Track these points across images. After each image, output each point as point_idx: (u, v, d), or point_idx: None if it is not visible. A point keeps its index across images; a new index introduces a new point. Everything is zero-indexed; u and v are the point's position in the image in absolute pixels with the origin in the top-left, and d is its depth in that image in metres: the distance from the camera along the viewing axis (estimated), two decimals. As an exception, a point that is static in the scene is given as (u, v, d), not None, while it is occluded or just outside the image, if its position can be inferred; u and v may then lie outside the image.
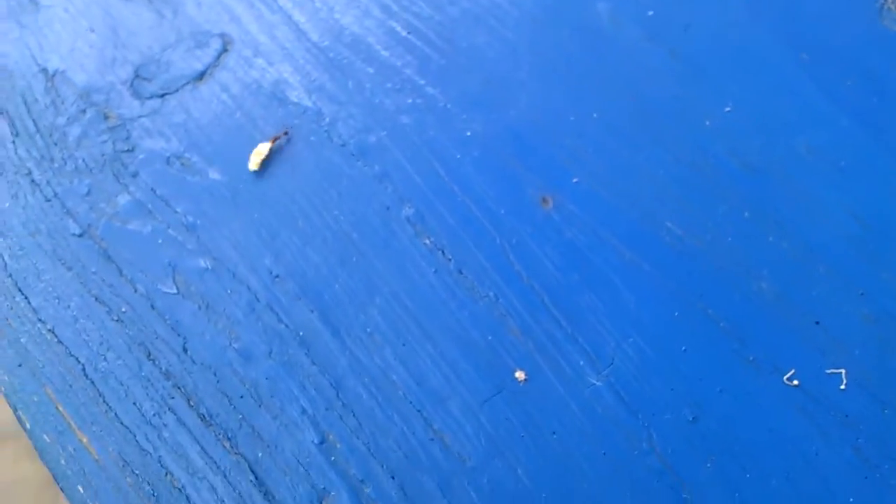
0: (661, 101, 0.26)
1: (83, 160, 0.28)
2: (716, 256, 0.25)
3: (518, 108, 0.27)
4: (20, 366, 0.26)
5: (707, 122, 0.26)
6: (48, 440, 0.25)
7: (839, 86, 0.26)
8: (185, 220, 0.27)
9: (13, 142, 0.28)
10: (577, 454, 0.23)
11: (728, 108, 0.26)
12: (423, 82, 0.27)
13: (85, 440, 0.25)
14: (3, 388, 0.26)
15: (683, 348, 0.24)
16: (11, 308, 0.27)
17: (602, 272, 0.25)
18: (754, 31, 0.26)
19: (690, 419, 0.23)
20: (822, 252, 0.24)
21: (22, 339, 0.26)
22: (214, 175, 0.27)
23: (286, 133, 0.26)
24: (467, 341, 0.25)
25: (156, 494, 0.24)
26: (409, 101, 0.27)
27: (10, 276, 0.27)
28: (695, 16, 0.26)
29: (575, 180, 0.26)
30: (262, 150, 0.26)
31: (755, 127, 0.26)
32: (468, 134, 0.27)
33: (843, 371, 0.24)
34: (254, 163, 0.26)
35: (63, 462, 0.25)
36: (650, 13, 0.27)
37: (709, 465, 0.23)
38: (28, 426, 0.25)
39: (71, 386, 0.25)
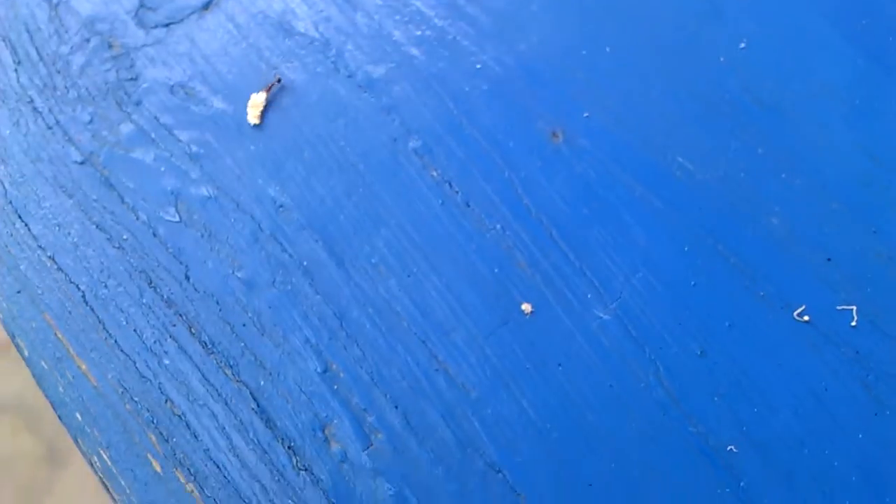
0: (675, 37, 0.26)
1: (86, 89, 0.27)
2: (727, 192, 0.24)
3: (529, 42, 0.26)
4: (19, 292, 0.26)
5: (721, 59, 0.26)
6: (46, 367, 0.25)
7: (855, 24, 0.25)
8: (188, 150, 0.26)
9: (15, 70, 0.28)
10: (582, 386, 0.23)
11: (743, 45, 0.26)
12: (432, 14, 0.27)
13: (84, 367, 0.25)
14: (1, 315, 0.26)
15: (693, 283, 0.24)
16: (11, 235, 0.26)
17: (612, 206, 0.25)
18: (771, -36, 0.26)
19: (698, 353, 0.23)
20: (835, 189, 0.24)
21: (21, 266, 0.26)
22: (219, 105, 0.27)
23: (279, 80, 0.26)
24: (473, 273, 0.24)
25: (155, 421, 0.24)
26: (418, 33, 0.27)
27: (11, 202, 0.26)
28: (711, -51, 0.26)
29: (586, 115, 0.25)
30: (258, 100, 0.25)
31: (770, 64, 0.25)
32: (478, 67, 0.26)
33: (853, 308, 0.23)
34: (252, 115, 0.26)
35: (61, 389, 0.25)
36: (665, -54, 0.26)
37: (716, 399, 0.23)
38: (26, 353, 0.25)
39: (70, 313, 0.25)
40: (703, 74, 0.25)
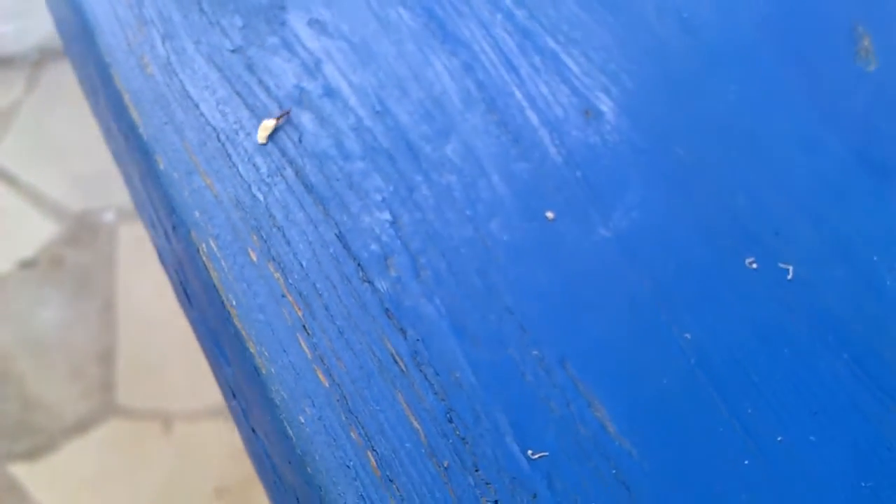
0: None
1: (243, 4, 0.37)
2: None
3: None
4: (165, 124, 0.33)
5: None
6: (177, 177, 0.32)
7: None
8: (314, 58, 0.35)
9: (189, -17, 0.37)
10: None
11: None
12: None
13: (208, 181, 0.32)
14: (146, 137, 0.33)
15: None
16: (167, 85, 0.34)
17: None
18: None
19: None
20: None
21: (172, 105, 0.33)
22: (345, 27, 0.36)
23: (287, 112, 0.33)
24: (510, 172, 0.33)
25: (257, 227, 0.31)
26: None
27: (171, 64, 0.35)
28: None
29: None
30: (269, 125, 0.33)
31: None
32: None
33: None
34: (262, 136, 0.33)
35: (186, 194, 0.32)
36: None
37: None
38: (161, 167, 0.32)
39: (205, 144, 0.33)
40: None
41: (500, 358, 0.29)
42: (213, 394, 1.34)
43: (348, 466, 0.27)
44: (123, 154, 0.36)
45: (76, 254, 1.51)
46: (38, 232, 1.54)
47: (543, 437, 0.28)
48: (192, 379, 1.39)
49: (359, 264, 0.30)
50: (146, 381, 1.39)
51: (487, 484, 0.27)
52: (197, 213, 0.31)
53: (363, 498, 0.26)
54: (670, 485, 0.27)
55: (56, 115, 1.67)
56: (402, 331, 0.29)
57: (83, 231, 1.54)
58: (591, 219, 0.32)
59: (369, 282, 0.30)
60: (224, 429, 1.35)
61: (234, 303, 0.29)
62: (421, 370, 0.29)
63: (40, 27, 1.74)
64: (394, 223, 0.31)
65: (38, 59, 1.74)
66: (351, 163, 0.32)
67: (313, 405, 0.28)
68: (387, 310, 0.30)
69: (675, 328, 0.30)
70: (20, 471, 1.30)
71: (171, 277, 0.36)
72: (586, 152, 0.34)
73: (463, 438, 0.28)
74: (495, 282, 0.30)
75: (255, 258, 0.30)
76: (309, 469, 0.27)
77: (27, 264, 1.49)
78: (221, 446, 1.36)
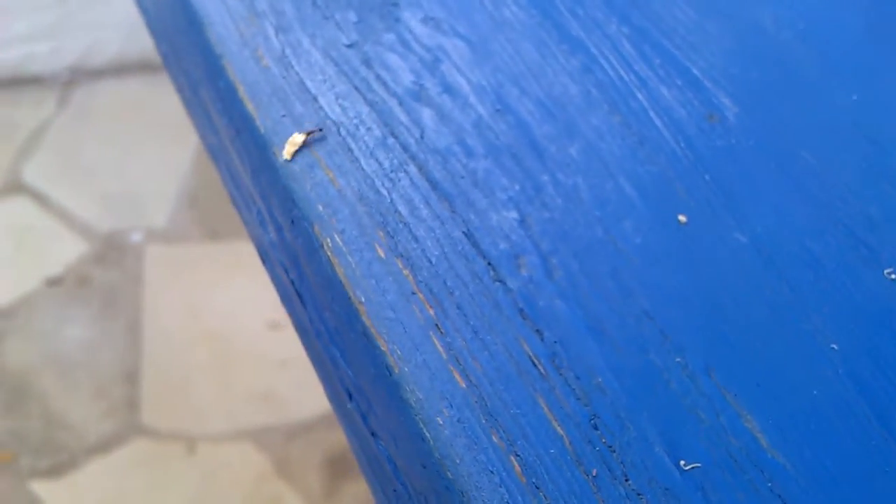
0: None
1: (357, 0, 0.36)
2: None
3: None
4: (283, 116, 0.32)
5: None
6: (298, 170, 0.31)
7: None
8: (431, 55, 0.34)
9: (300, -22, 0.36)
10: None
11: None
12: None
13: (331, 175, 0.31)
14: (264, 129, 0.32)
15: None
16: (284, 77, 0.33)
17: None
18: None
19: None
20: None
21: (290, 98, 0.33)
22: (459, 25, 0.35)
23: (320, 129, 0.32)
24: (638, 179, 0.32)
25: (383, 222, 0.30)
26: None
27: (285, 55, 0.34)
28: None
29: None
30: (297, 140, 0.31)
31: None
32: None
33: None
34: (288, 152, 0.31)
35: (308, 188, 0.31)
36: None
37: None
38: (280, 160, 0.31)
39: (326, 138, 0.32)
40: None
41: (642, 364, 0.28)
42: (238, 416, 1.32)
43: (491, 471, 0.25)
44: (228, 148, 0.35)
45: (103, 273, 1.51)
46: (65, 250, 1.54)
47: (694, 448, 0.26)
48: (218, 400, 1.37)
49: (489, 263, 0.29)
50: (171, 401, 1.38)
51: (639, 495, 0.25)
52: (320, 207, 0.30)
53: (509, 506, 0.25)
54: (826, 500, 0.26)
55: (86, 135, 1.67)
56: (539, 332, 0.28)
57: (111, 251, 1.53)
58: (726, 223, 0.31)
59: (501, 281, 0.29)
60: (248, 451, 1.33)
61: (362, 299, 0.28)
62: (561, 374, 0.27)
63: (73, 47, 1.75)
64: (522, 222, 0.30)
65: (70, 79, 1.74)
66: (475, 160, 0.31)
67: (451, 406, 0.26)
68: (521, 310, 0.28)
69: (820, 338, 0.29)
70: (42, 488, 1.28)
71: (276, 277, 0.35)
72: (713, 156, 0.33)
73: (610, 446, 0.26)
74: (631, 285, 0.29)
75: (382, 254, 0.29)
76: (449, 473, 0.26)
77: (54, 282, 1.49)
78: (246, 469, 1.33)
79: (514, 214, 0.30)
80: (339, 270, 0.29)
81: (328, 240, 0.29)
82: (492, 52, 0.35)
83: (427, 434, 0.26)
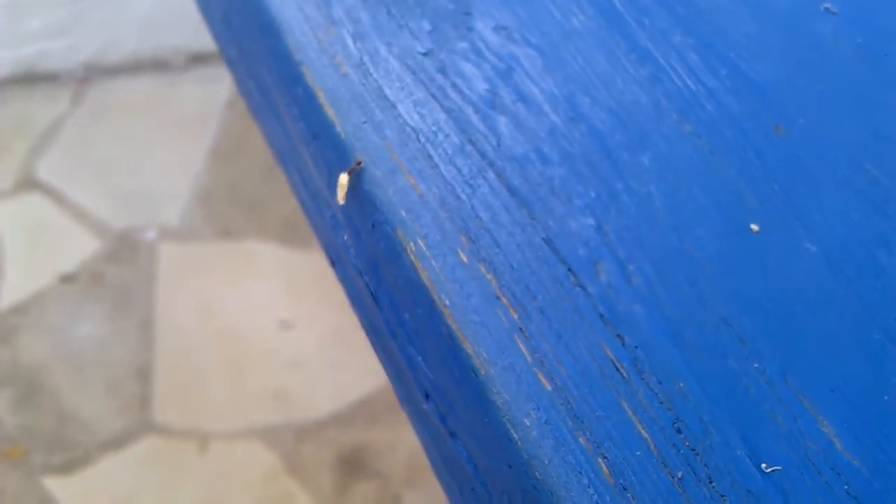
0: None
1: (430, 7, 0.36)
2: None
3: None
4: (364, 123, 0.33)
5: None
6: (379, 175, 0.32)
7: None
8: (504, 64, 0.35)
9: (373, -13, 0.37)
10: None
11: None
12: None
13: (412, 181, 0.32)
14: (345, 135, 0.33)
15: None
16: (363, 84, 0.34)
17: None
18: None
19: None
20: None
21: (370, 104, 0.33)
22: (530, 34, 0.36)
23: (359, 163, 0.32)
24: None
25: (465, 228, 0.31)
26: None
27: (364, 64, 0.34)
28: None
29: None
30: (343, 181, 0.32)
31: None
32: None
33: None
34: (341, 196, 0.32)
35: (391, 193, 0.32)
36: None
37: None
38: (363, 166, 0.32)
39: (406, 144, 0.33)
40: None
41: (722, 369, 0.28)
42: (250, 414, 1.33)
43: (580, 472, 0.26)
44: (302, 153, 0.36)
45: (117, 270, 1.51)
46: (79, 247, 1.54)
47: (774, 452, 0.27)
48: (230, 399, 1.38)
49: (569, 268, 0.30)
50: (183, 399, 1.38)
51: (723, 497, 0.26)
52: (403, 212, 0.31)
53: (599, 506, 0.26)
54: (905, 505, 0.27)
55: (100, 133, 1.68)
56: (620, 337, 0.29)
57: (124, 248, 1.54)
58: (796, 233, 0.32)
59: (581, 286, 0.30)
60: (259, 450, 1.34)
61: (447, 302, 0.29)
62: (643, 378, 0.28)
63: (88, 45, 1.76)
64: (598, 229, 0.31)
65: (85, 77, 1.75)
66: (551, 168, 0.32)
67: (538, 408, 0.27)
68: (601, 315, 0.29)
69: (890, 346, 0.30)
70: (54, 484, 1.29)
71: (347, 280, 0.35)
72: (782, 167, 0.33)
73: (693, 450, 0.27)
74: (707, 292, 0.30)
75: (465, 259, 0.30)
76: (538, 474, 0.26)
77: (67, 279, 1.49)
78: (257, 468, 1.34)
79: (590, 221, 0.31)
80: (423, 274, 0.30)
81: (411, 244, 0.30)
82: (563, 61, 0.35)
83: (514, 435, 0.27)
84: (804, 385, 0.28)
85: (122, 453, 1.33)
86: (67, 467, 1.30)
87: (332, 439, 1.36)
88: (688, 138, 0.34)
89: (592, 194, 0.32)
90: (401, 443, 1.34)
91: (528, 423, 0.27)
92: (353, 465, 1.34)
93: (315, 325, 1.46)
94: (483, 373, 0.28)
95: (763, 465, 0.27)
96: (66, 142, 1.68)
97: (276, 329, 1.46)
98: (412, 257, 0.30)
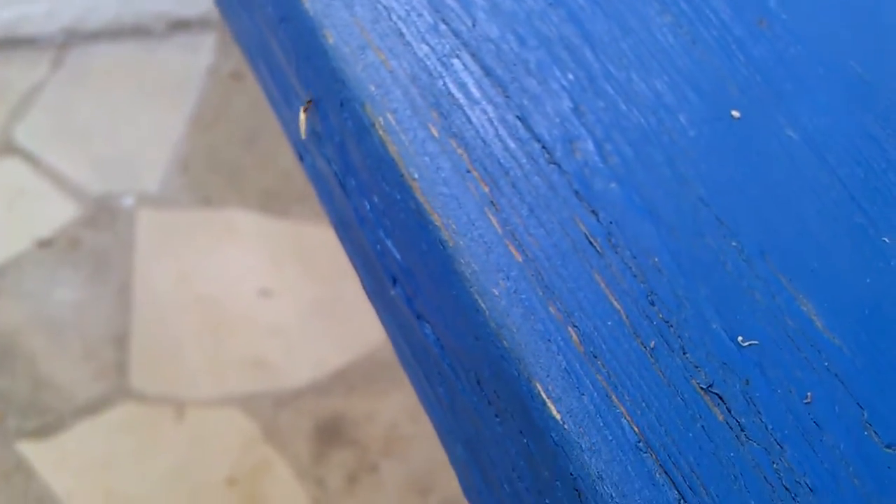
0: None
1: None
2: None
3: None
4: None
5: None
6: (348, 51, 0.31)
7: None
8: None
9: None
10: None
11: None
12: None
13: (382, 56, 0.31)
14: (313, 12, 0.32)
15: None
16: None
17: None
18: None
19: None
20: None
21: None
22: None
23: (311, 101, 0.32)
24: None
25: (437, 104, 0.30)
26: None
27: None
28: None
29: (778, 15, 0.35)
30: (302, 118, 0.32)
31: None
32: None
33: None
34: (303, 132, 0.32)
35: (359, 69, 0.30)
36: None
37: None
38: (331, 41, 0.31)
39: (378, 22, 0.31)
40: None
41: (698, 246, 0.28)
42: (227, 381, 1.31)
43: (549, 340, 0.25)
44: (269, 40, 0.35)
45: (94, 236, 1.49)
46: (56, 213, 1.52)
47: (751, 326, 0.26)
48: (208, 366, 1.36)
49: (543, 146, 0.29)
50: (160, 366, 1.37)
51: (697, 367, 0.25)
52: (372, 88, 0.29)
53: (567, 372, 0.25)
54: (886, 383, 0.26)
55: (79, 98, 1.65)
56: (594, 212, 0.28)
57: (102, 214, 1.51)
58: (777, 121, 0.31)
59: (556, 163, 0.28)
60: (237, 417, 1.33)
61: (416, 175, 0.28)
62: (617, 252, 0.27)
63: (68, 9, 1.73)
64: (575, 110, 0.30)
65: (64, 41, 1.72)
66: (527, 50, 0.31)
67: (507, 278, 0.26)
68: (576, 191, 0.28)
69: (872, 231, 0.29)
70: (28, 449, 1.27)
71: (315, 173, 0.34)
72: (764, 59, 0.32)
73: (667, 321, 0.26)
74: (686, 173, 0.29)
75: (436, 133, 0.29)
76: (505, 342, 0.25)
77: (44, 244, 1.47)
78: (234, 435, 1.33)
79: (567, 103, 0.30)
80: (392, 149, 0.29)
81: (380, 119, 0.29)
82: (541, -49, 0.34)
83: (482, 305, 0.26)
84: (783, 265, 0.28)
85: (98, 419, 1.31)
86: (42, 432, 1.28)
87: (310, 408, 1.35)
88: (669, 28, 0.33)
89: (570, 76, 0.31)
90: (378, 413, 1.33)
91: (497, 293, 0.26)
92: (330, 434, 1.32)
93: (295, 294, 1.45)
94: (451, 244, 0.27)
95: (739, 339, 0.26)
96: (45, 107, 1.65)
97: (256, 297, 1.45)
98: (381, 132, 0.29)
